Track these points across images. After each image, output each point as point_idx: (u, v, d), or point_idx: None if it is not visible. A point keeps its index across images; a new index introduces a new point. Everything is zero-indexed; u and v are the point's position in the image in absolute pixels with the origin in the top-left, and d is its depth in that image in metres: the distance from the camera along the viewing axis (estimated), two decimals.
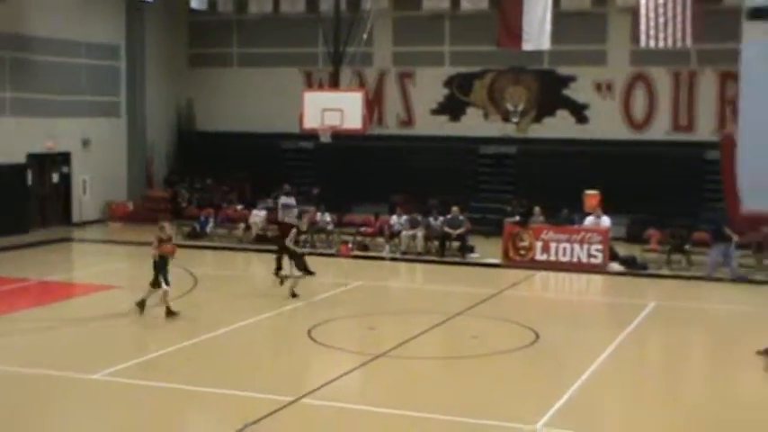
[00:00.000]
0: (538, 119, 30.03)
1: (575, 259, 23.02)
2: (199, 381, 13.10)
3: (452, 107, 30.84)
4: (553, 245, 23.23)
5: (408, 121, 31.43)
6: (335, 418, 11.88)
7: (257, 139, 32.09)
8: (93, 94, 30.30)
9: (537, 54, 27.15)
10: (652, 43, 23.79)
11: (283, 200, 22.72)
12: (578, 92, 29.46)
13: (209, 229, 27.49)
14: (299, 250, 19.13)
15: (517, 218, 24.57)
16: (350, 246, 24.86)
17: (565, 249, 23.11)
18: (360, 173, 30.27)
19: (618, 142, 28.64)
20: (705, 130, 27.78)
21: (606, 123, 29.00)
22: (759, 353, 14.57)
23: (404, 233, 25.15)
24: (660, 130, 28.72)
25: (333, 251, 24.42)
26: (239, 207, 28.66)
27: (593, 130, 29.15)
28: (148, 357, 14.51)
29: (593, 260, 22.90)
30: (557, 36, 24.84)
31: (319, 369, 14.54)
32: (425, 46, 30.78)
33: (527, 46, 24.96)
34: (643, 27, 23.74)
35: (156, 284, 16.86)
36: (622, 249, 23.98)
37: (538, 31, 24.60)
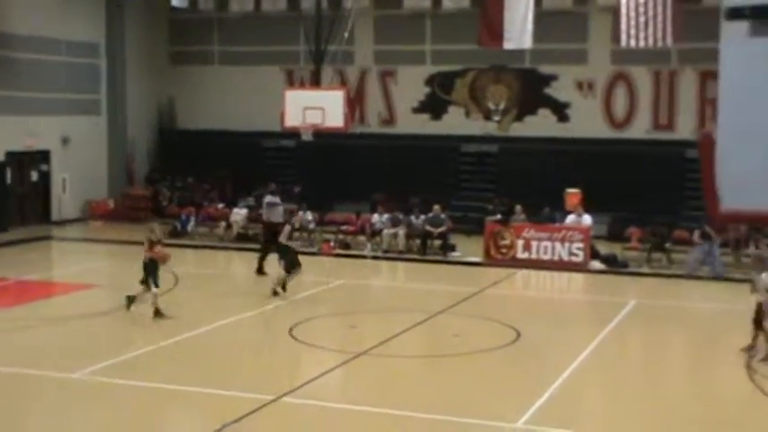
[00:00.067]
0: (519, 117, 30.09)
1: (556, 257, 23.09)
2: (180, 380, 13.05)
3: (434, 106, 30.85)
4: (534, 243, 23.28)
5: (390, 120, 31.42)
6: (316, 416, 11.87)
7: (238, 137, 32.00)
8: (73, 91, 30.13)
9: (518, 53, 27.21)
10: (633, 43, 23.88)
11: (268, 199, 22.62)
12: (559, 91, 29.52)
13: (190, 227, 27.41)
14: (292, 245, 19.10)
15: (498, 216, 24.62)
16: (331, 244, 24.82)
17: (546, 248, 23.18)
18: (341, 171, 30.24)
19: (599, 141, 28.72)
20: (685, 128, 27.90)
21: (587, 122, 29.09)
22: (743, 350, 14.64)
23: (385, 231, 25.15)
24: (641, 128, 28.84)
25: (314, 250, 24.38)
26: (220, 205, 28.60)
27: (574, 128, 29.23)
28: (129, 356, 14.43)
29: (574, 258, 22.97)
30: (538, 35, 24.88)
31: (300, 368, 14.53)
32: (407, 44, 30.77)
33: (508, 45, 25.00)
34: (624, 26, 23.82)
35: (146, 285, 16.70)
36: (603, 248, 24.05)
37: (519, 30, 24.64)
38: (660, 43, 23.80)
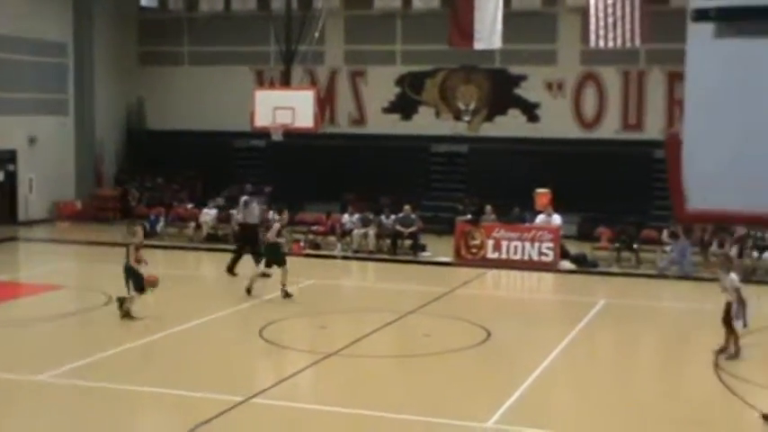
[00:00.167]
0: (489, 117, 30.17)
1: (526, 257, 23.16)
2: (148, 381, 12.95)
3: (404, 106, 30.86)
4: (504, 243, 23.35)
5: (360, 120, 31.40)
6: (287, 417, 11.83)
7: (208, 137, 31.84)
8: (40, 91, 29.86)
9: (488, 53, 27.26)
10: (602, 43, 24.01)
11: (245, 199, 22.51)
12: (529, 91, 29.63)
13: (159, 228, 27.23)
14: (281, 241, 19.01)
15: (469, 216, 24.67)
16: (301, 244, 24.80)
17: (516, 247, 23.24)
18: (311, 171, 30.17)
19: (568, 141, 28.86)
20: (654, 128, 28.09)
21: (557, 122, 29.22)
22: (716, 351, 14.64)
23: (355, 232, 25.13)
24: (610, 129, 29.01)
25: (285, 250, 24.26)
26: (190, 206, 28.44)
27: (543, 128, 29.34)
28: (97, 357, 14.28)
29: (544, 258, 23.06)
30: (508, 35, 24.95)
31: (270, 368, 14.48)
32: (377, 45, 30.76)
33: (478, 45, 25.06)
34: (593, 27, 23.95)
35: (139, 289, 16.42)
36: (573, 247, 24.17)
37: (489, 31, 24.71)
38: (629, 44, 23.96)
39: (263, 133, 25.50)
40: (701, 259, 22.89)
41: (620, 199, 26.73)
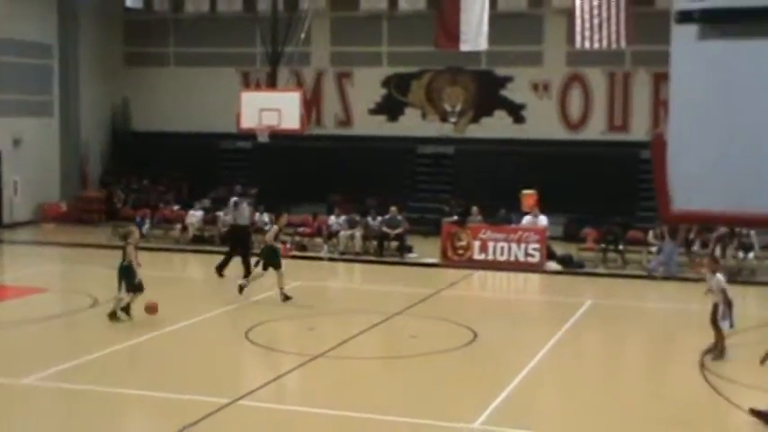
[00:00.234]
0: (475, 119, 30.21)
1: (512, 258, 23.19)
2: (135, 383, 12.91)
3: (390, 107, 30.87)
4: (491, 244, 23.38)
5: (346, 121, 31.39)
6: (273, 419, 11.82)
7: (194, 138, 31.77)
8: (24, 93, 29.72)
9: (474, 55, 27.31)
10: (587, 44, 24.10)
11: (235, 200, 22.43)
12: (515, 92, 29.69)
13: (145, 230, 27.04)
14: (278, 245, 18.96)
15: (455, 217, 24.68)
16: (288, 246, 24.74)
17: (502, 249, 23.27)
18: (298, 173, 30.13)
19: (554, 142, 28.93)
20: (639, 129, 28.20)
21: (543, 123, 29.28)
22: (705, 352, 14.62)
23: (342, 233, 25.11)
24: (595, 130, 29.10)
25: None
26: (176, 208, 28.36)
27: (530, 130, 29.40)
28: (83, 360, 14.22)
29: (530, 259, 23.09)
30: (494, 37, 25.00)
31: (257, 370, 14.45)
32: (363, 46, 30.77)
33: (464, 46, 25.11)
34: (578, 28, 24.03)
35: (133, 288, 16.35)
36: (559, 248, 24.21)
37: (475, 32, 24.76)
38: (614, 45, 24.06)
39: (250, 135, 25.45)
40: (686, 260, 22.98)
41: (606, 200, 26.80)
